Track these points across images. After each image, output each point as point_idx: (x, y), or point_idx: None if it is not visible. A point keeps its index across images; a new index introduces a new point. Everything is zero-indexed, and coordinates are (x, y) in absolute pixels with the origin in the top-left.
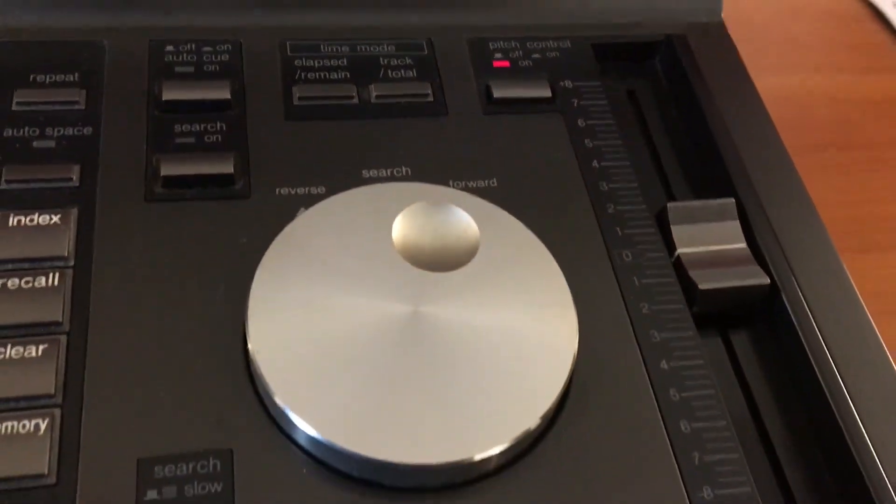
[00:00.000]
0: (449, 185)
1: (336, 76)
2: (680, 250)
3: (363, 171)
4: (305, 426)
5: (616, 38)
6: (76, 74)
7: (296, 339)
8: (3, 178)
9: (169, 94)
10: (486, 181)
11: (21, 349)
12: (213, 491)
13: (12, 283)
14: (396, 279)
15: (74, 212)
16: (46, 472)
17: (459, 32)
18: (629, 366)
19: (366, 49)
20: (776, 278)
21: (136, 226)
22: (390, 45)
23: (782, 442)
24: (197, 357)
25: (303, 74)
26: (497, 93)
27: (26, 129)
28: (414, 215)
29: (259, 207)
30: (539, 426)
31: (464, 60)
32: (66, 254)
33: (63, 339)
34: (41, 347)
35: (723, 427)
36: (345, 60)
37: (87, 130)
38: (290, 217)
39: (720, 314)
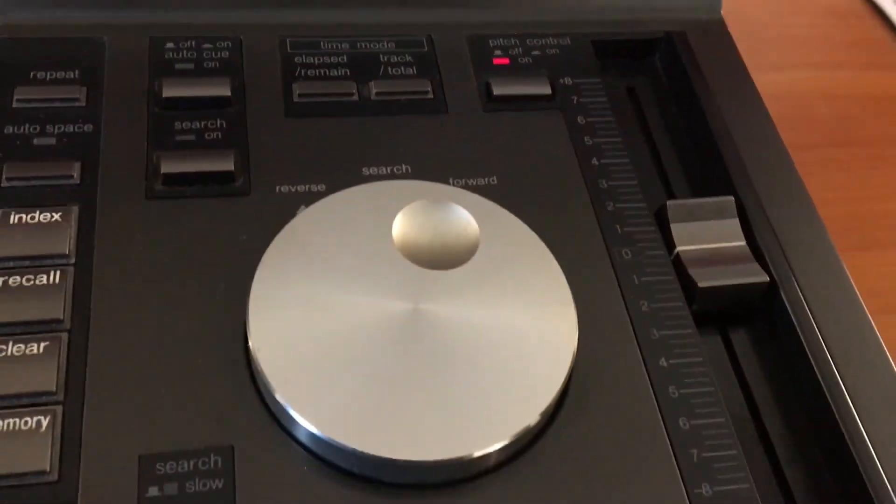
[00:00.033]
0: (449, 183)
1: (336, 73)
2: (679, 248)
3: (363, 169)
4: (306, 423)
5: (616, 35)
6: (76, 71)
7: (296, 336)
8: (3, 176)
9: (169, 91)
10: (486, 179)
11: (23, 346)
12: (214, 487)
13: (14, 280)
14: (396, 277)
15: (75, 209)
16: (48, 468)
17: (459, 30)
18: (628, 363)
19: (366, 46)
20: (775, 276)
21: (137, 223)
22: (390, 42)
23: (781, 439)
24: (198, 354)
25: (303, 71)
26: (497, 90)
27: (27, 126)
28: (414, 213)
29: (259, 205)
30: (539, 423)
31: (464, 58)
32: (67, 251)
33: (64, 336)
34: (43, 345)
35: (722, 424)
36: (345, 57)
37: (88, 127)
38: (290, 214)
39: (719, 312)
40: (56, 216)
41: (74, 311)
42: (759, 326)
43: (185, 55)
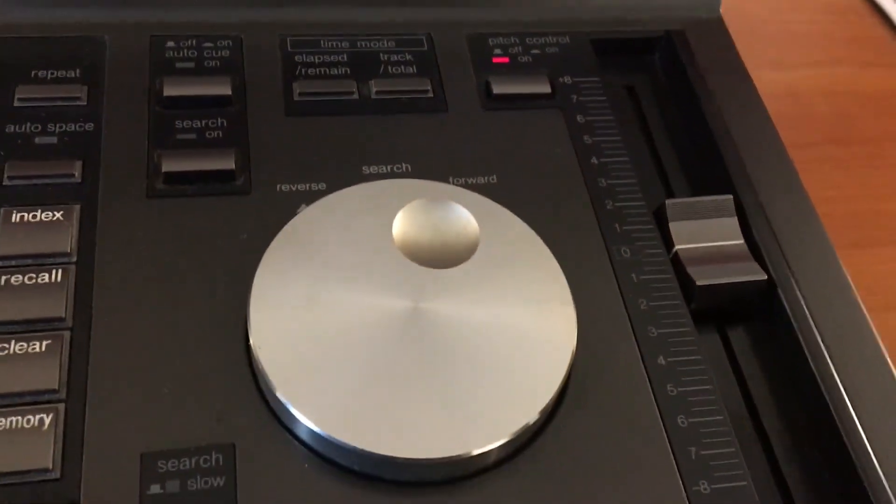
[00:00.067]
0: (449, 182)
1: (336, 72)
2: (678, 246)
3: (363, 168)
4: (306, 421)
5: (615, 34)
6: (77, 70)
7: (297, 334)
8: (5, 175)
9: (170, 90)
10: (486, 177)
11: (25, 345)
12: (215, 485)
13: (16, 279)
14: (397, 275)
15: (77, 208)
16: (51, 466)
17: (459, 28)
18: (627, 361)
19: (366, 45)
20: (773, 275)
21: (138, 222)
22: (390, 41)
23: (779, 437)
24: (199, 352)
25: (303, 70)
26: (497, 89)
27: (28, 125)
28: (414, 212)
29: (260, 203)
30: (538, 421)
31: (463, 56)
32: (68, 250)
33: (66, 334)
34: (45, 343)
35: (720, 422)
36: (345, 56)
37: (89, 126)
38: (291, 213)
39: (718, 310)
40: (58, 215)
41: (76, 309)
42: (758, 325)
43: (185, 54)
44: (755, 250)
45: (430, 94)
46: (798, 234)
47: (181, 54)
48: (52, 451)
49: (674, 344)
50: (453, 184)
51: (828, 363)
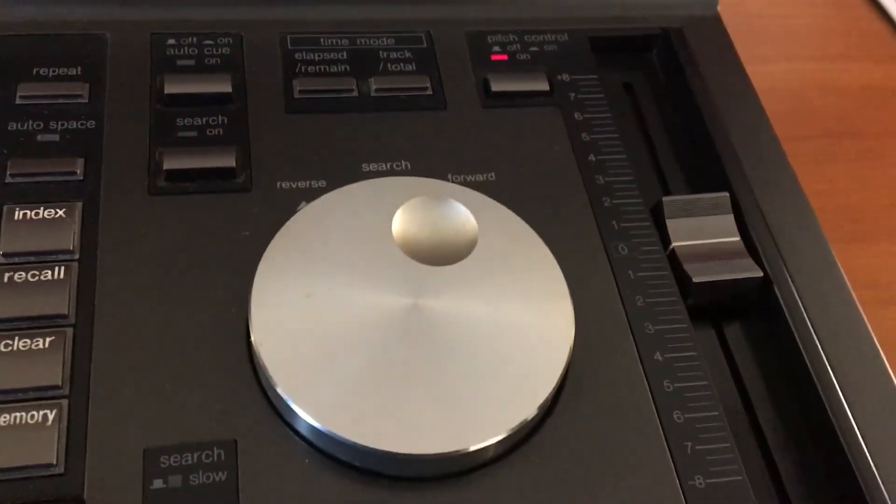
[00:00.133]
0: (448, 179)
1: (336, 69)
2: (675, 243)
3: (363, 165)
4: (307, 417)
5: (613, 32)
6: (79, 68)
7: (298, 331)
8: (8, 173)
9: (171, 88)
10: (485, 175)
11: (28, 341)
12: (217, 480)
13: (19, 276)
14: (396, 273)
15: (79, 205)
16: (55, 461)
17: (458, 26)
18: (624, 357)
19: (365, 42)
20: (769, 271)
21: (140, 219)
22: (389, 39)
23: (773, 432)
24: (201, 349)
25: (303, 68)
26: (495, 86)
27: (30, 122)
28: (413, 210)
29: (260, 201)
30: (536, 416)
31: (462, 54)
32: (71, 247)
33: (69, 331)
34: (48, 340)
35: (715, 417)
36: (344, 54)
37: (91, 124)
38: (291, 210)
39: (714, 306)
40: (60, 212)
41: (79, 306)
42: (753, 321)
43: (186, 51)
44: (751, 247)
45: (430, 92)
46: (794, 231)
47: (182, 52)
48: (55, 447)
49: (670, 340)
50: (452, 181)
51: (822, 359)
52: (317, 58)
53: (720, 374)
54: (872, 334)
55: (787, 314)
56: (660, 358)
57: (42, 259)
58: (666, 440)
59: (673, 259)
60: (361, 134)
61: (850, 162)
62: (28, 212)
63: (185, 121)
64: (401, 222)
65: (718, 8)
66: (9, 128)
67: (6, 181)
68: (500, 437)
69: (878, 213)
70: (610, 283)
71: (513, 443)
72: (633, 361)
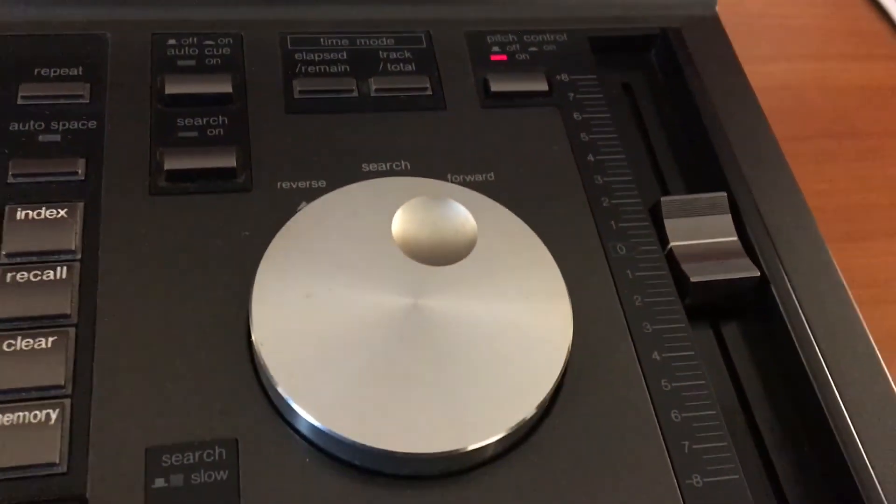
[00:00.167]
0: (447, 179)
1: (336, 70)
2: (673, 243)
3: (363, 165)
4: (308, 416)
5: (612, 32)
6: (80, 68)
7: (298, 331)
8: (10, 173)
9: (172, 88)
10: (484, 175)
11: (31, 341)
12: (218, 479)
13: (21, 276)
14: (396, 273)
15: (80, 205)
16: (57, 460)
17: (457, 26)
18: (622, 357)
19: (365, 43)
20: (766, 271)
21: (141, 219)
22: (389, 39)
23: (770, 430)
24: (202, 348)
25: (303, 68)
26: (495, 87)
27: (32, 123)
28: (413, 210)
29: (261, 201)
30: (535, 416)
31: (462, 54)
32: (73, 247)
33: (72, 331)
34: (51, 339)
35: (712, 416)
36: (344, 54)
37: (92, 124)
38: (291, 210)
39: (711, 306)
40: (62, 212)
41: (81, 305)
42: (751, 320)
43: (186, 52)
44: (749, 247)
45: (429, 92)
46: (791, 231)
47: (182, 52)
48: (58, 446)
49: (668, 340)
50: (452, 181)
51: (819, 358)
52: (317, 58)
53: (717, 373)
54: (869, 334)
55: (783, 314)
56: (658, 357)
57: (44, 259)
58: (664, 439)
59: (671, 259)
60: (361, 134)
61: (850, 162)
62: (30, 212)
63: (186, 121)
64: (400, 222)
65: (717, 8)
66: (10, 128)
67: (8, 181)
68: (499, 437)
69: (878, 212)
70: (608, 282)
71: (512, 442)
72: (631, 361)
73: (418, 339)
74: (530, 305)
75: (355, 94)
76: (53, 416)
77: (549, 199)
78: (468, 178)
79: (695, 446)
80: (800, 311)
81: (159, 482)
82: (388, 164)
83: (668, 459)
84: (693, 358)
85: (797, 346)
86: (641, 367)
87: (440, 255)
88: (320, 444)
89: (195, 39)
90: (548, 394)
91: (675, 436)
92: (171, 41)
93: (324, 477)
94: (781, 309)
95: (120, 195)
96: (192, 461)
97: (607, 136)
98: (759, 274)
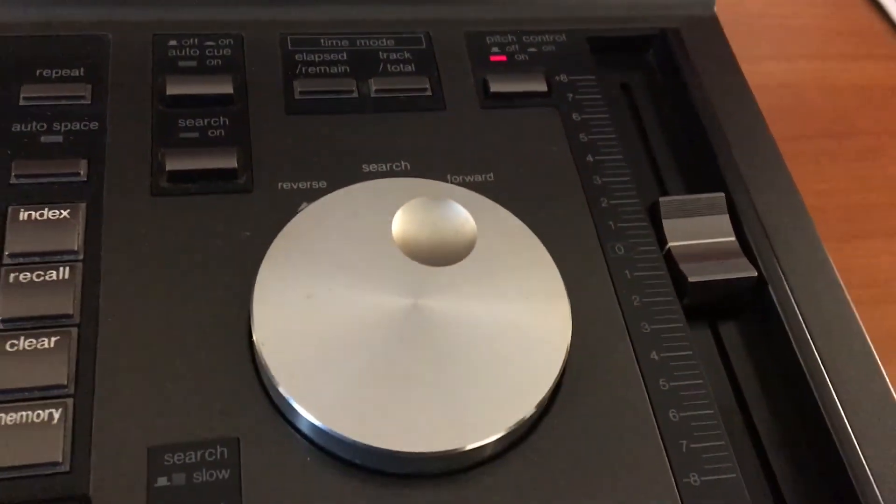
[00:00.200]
0: (447, 180)
1: (336, 70)
2: (671, 243)
3: (363, 166)
4: (308, 415)
5: (611, 32)
6: (81, 69)
7: (299, 331)
8: (12, 174)
9: (173, 89)
10: (484, 175)
11: (34, 341)
12: (220, 477)
13: (24, 276)
14: (396, 273)
15: (83, 206)
16: (60, 459)
17: (457, 27)
18: (621, 356)
19: (365, 43)
20: (763, 271)
21: (143, 220)
22: (389, 40)
23: (768, 430)
24: (204, 348)
25: (303, 69)
26: (494, 87)
27: (34, 124)
28: (413, 211)
29: (262, 202)
30: (534, 415)
31: (461, 55)
32: (75, 248)
33: (74, 331)
34: (53, 339)
35: (710, 416)
36: (344, 55)
37: (94, 125)
38: (292, 211)
39: (709, 306)
40: (64, 213)
41: (83, 306)
42: (748, 320)
43: (187, 52)
44: (746, 247)
45: (429, 93)
46: (788, 232)
47: (183, 53)
48: (61, 445)
49: (666, 339)
50: (451, 182)
51: (816, 358)
52: (317, 59)
53: (715, 373)
54: (865, 333)
55: (781, 313)
56: (656, 357)
57: (47, 259)
58: (662, 438)
59: (669, 259)
60: (361, 135)
61: (850, 161)
62: (33, 213)
63: (187, 122)
64: (400, 223)
65: (716, 8)
66: (13, 129)
67: (11, 182)
68: (498, 436)
69: (877, 212)
70: (607, 282)
71: (511, 441)
72: (629, 360)
73: (418, 340)
74: (529, 305)
75: (355, 94)
76: (56, 415)
77: (548, 199)
78: (468, 178)
79: (692, 445)
80: (797, 310)
81: (161, 481)
82: (388, 165)
83: (666, 458)
84: (691, 357)
85: (794, 345)
86: (640, 366)
87: (440, 255)
88: (321, 443)
89: (196, 40)
90: (546, 393)
91: (672, 435)
92: (172, 42)
93: (324, 476)
94: (779, 309)
95: (122, 196)
96: (193, 460)
97: (606, 137)
98: (756, 274)
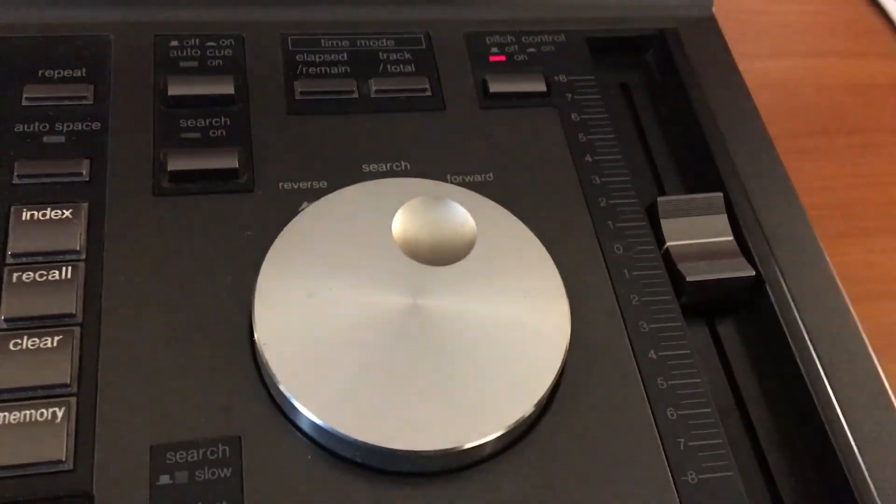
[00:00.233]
0: (447, 180)
1: (336, 71)
2: (669, 243)
3: (363, 166)
4: (310, 414)
5: (610, 33)
6: (83, 70)
7: (300, 330)
8: (15, 174)
9: (174, 90)
10: (483, 175)
11: (37, 340)
12: (222, 476)
13: (27, 276)
14: (396, 273)
15: (85, 206)
16: (64, 458)
17: (457, 27)
18: (619, 355)
19: (365, 44)
20: (761, 270)
21: (145, 219)
22: (389, 40)
23: (765, 428)
24: (205, 347)
25: (304, 69)
26: (493, 87)
27: (36, 124)
28: (413, 211)
29: (263, 201)
30: (533, 414)
31: (461, 55)
32: (78, 247)
33: (77, 330)
34: (56, 339)
35: (707, 414)
36: (345, 55)
37: (96, 125)
38: (293, 211)
39: (707, 305)
40: (66, 213)
41: (86, 305)
42: (746, 319)
43: (189, 53)
44: (744, 247)
45: (429, 93)
46: (785, 232)
47: (185, 53)
48: (64, 444)
49: (664, 338)
50: (451, 182)
51: (813, 357)
52: (317, 59)
53: (713, 371)
54: (862, 332)
55: (778, 313)
56: (654, 356)
57: (49, 259)
58: (659, 436)
59: (667, 258)
60: (362, 135)
61: (847, 159)
62: (35, 213)
63: (189, 122)
64: (401, 223)
65: (713, 9)
66: (15, 129)
67: (14, 182)
68: (497, 434)
69: (875, 209)
70: (605, 282)
71: (510, 439)
72: (627, 359)
73: (418, 339)
74: (529, 305)
75: (356, 95)
76: (59, 414)
77: (548, 199)
78: (467, 178)
79: (690, 443)
80: (794, 309)
81: (164, 479)
82: (388, 165)
83: (664, 456)
84: (689, 356)
85: (791, 344)
86: (638, 365)
87: (440, 255)
88: (322, 441)
89: (197, 41)
90: (546, 392)
91: (670, 433)
92: (174, 42)
93: (325, 473)
94: (776, 308)
95: (124, 196)
96: (196, 458)
97: (605, 137)
98: (754, 273)
